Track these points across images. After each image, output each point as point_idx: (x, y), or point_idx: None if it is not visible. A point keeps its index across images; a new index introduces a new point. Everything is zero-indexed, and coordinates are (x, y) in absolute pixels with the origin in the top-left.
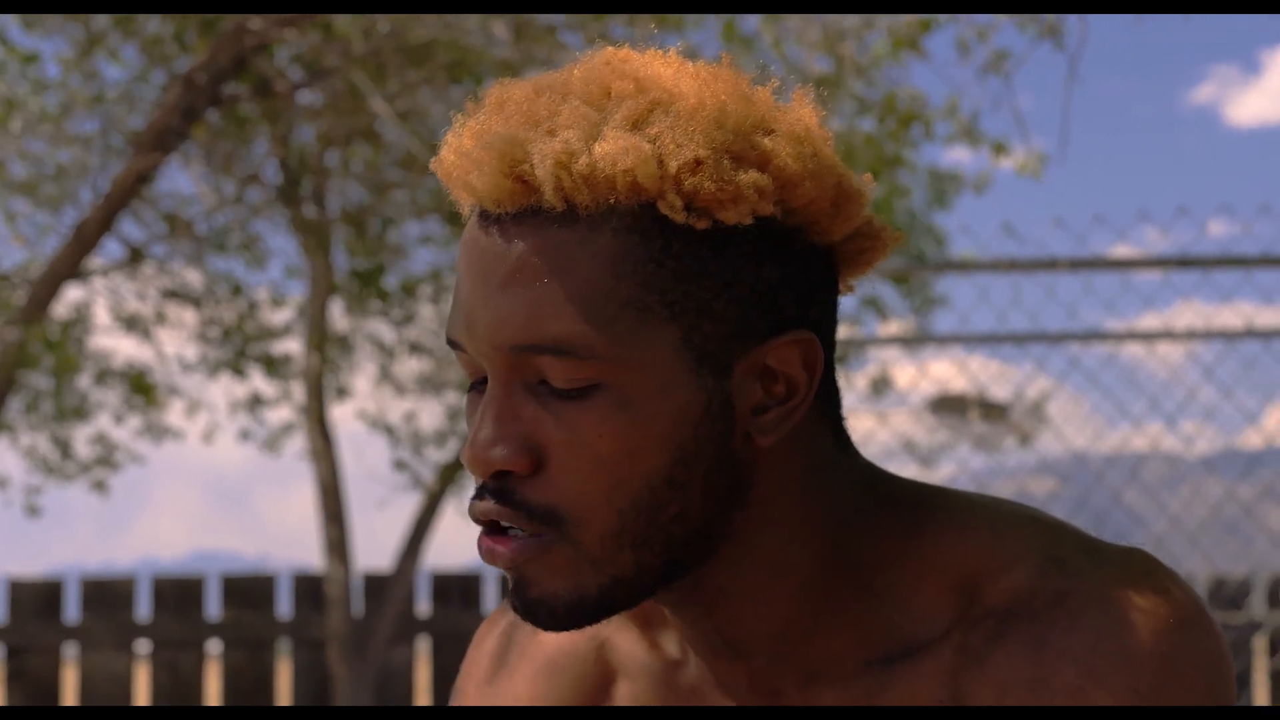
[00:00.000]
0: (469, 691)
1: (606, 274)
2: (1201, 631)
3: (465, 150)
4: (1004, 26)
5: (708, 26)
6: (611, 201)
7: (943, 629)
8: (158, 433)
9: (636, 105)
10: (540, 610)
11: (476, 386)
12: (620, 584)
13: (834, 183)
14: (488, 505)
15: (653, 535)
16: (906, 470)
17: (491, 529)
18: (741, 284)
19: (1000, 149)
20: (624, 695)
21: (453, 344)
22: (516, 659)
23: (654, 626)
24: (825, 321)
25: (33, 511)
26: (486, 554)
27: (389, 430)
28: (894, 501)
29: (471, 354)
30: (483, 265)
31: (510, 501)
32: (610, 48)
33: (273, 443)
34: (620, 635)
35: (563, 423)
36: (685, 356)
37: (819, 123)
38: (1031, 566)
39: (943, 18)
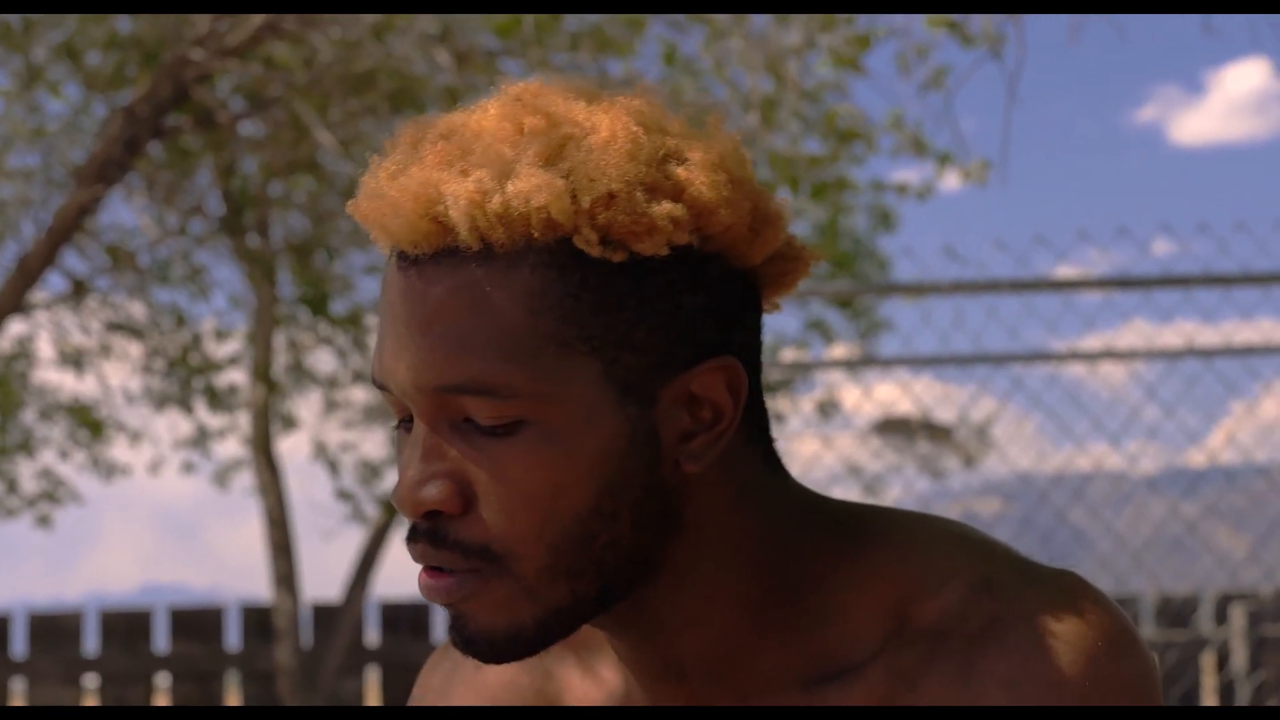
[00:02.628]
0: None
1: (525, 311)
2: (1130, 653)
3: (380, 193)
4: (944, 43)
5: (647, 54)
6: (527, 239)
7: (874, 649)
8: (104, 468)
9: (549, 141)
10: (480, 644)
11: (404, 424)
12: (557, 614)
13: (750, 207)
14: (423, 548)
15: (585, 565)
16: (852, 494)
17: (430, 566)
18: (661, 313)
19: (945, 160)
20: None
21: (378, 385)
22: (461, 693)
23: (592, 654)
24: (749, 345)
25: None
26: (426, 590)
27: (331, 464)
28: (827, 522)
29: (397, 395)
30: (403, 307)
31: (444, 543)
32: (523, 83)
33: (221, 477)
34: (560, 667)
35: (489, 460)
36: (608, 389)
37: (736, 148)
38: (962, 587)
39: (882, 31)
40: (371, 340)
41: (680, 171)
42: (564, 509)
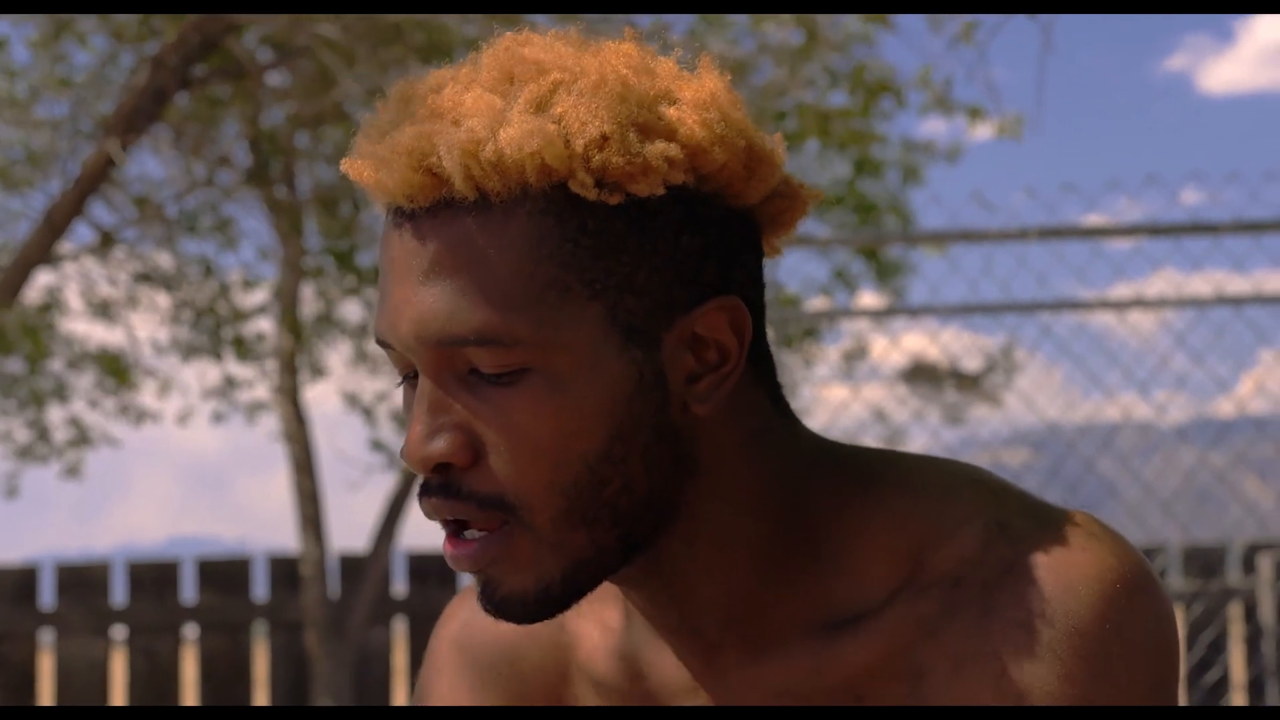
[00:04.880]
0: (432, 685)
1: (524, 259)
2: (1146, 592)
3: (373, 150)
4: None
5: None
6: (523, 186)
7: (888, 595)
8: (133, 414)
9: (539, 87)
10: (512, 606)
11: (409, 380)
12: (581, 566)
13: (744, 146)
14: (436, 501)
15: (601, 512)
16: (879, 443)
17: (452, 531)
18: (661, 255)
19: (977, 114)
20: (580, 685)
21: (382, 343)
22: (480, 641)
23: (603, 603)
24: (750, 285)
25: (11, 494)
26: (453, 560)
27: (366, 413)
28: (838, 468)
29: (400, 351)
30: (402, 262)
31: (457, 495)
32: (510, 33)
33: (250, 415)
34: (571, 617)
35: (496, 410)
36: (612, 332)
37: (726, 87)
38: (977, 532)
39: None
40: None
41: (671, 112)
42: (574, 455)
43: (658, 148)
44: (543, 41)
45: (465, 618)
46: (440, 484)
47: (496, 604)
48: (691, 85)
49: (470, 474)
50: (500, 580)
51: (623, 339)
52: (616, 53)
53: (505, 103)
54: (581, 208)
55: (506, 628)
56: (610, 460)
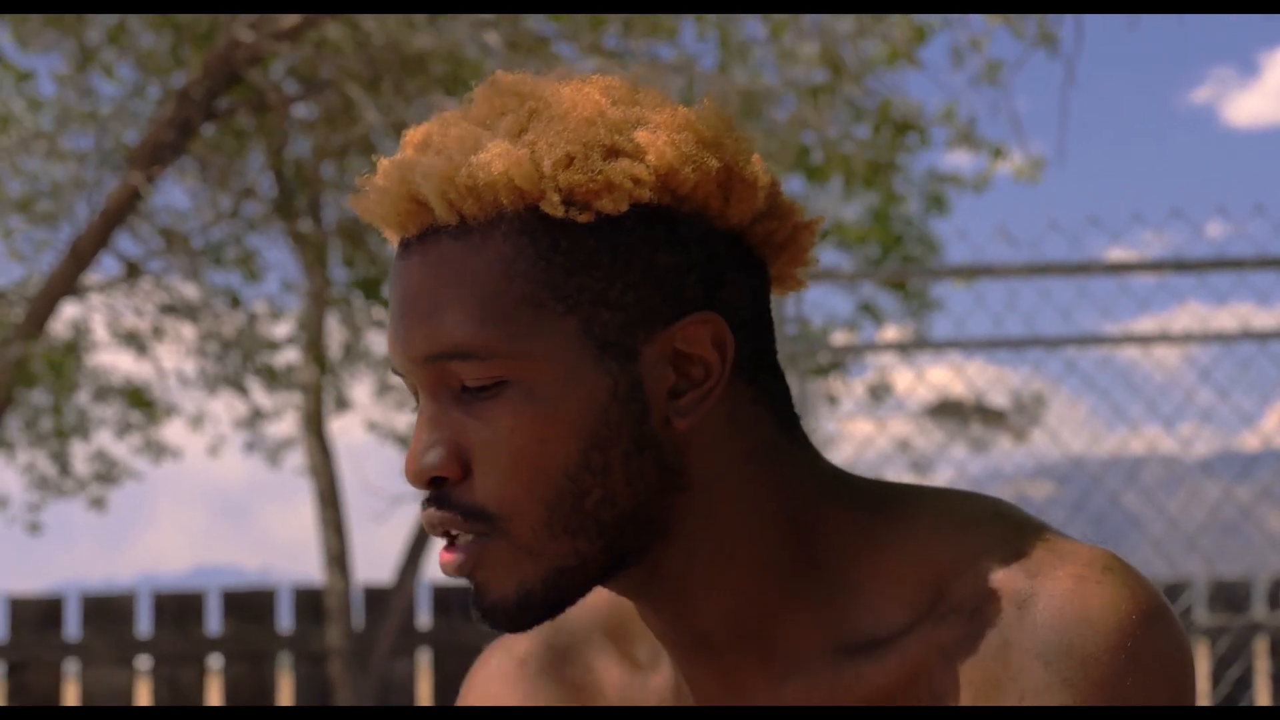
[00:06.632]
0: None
1: (499, 277)
2: (1163, 628)
3: (370, 184)
4: (998, 33)
5: (707, 35)
6: (498, 209)
7: (905, 624)
8: (157, 451)
9: (517, 117)
10: (496, 612)
11: (419, 406)
12: (563, 574)
13: (719, 167)
14: (431, 513)
15: (582, 522)
16: (904, 475)
17: (446, 541)
18: (635, 270)
19: (999, 153)
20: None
21: (394, 370)
22: (503, 690)
23: (633, 644)
24: (740, 304)
25: (33, 529)
26: (443, 567)
27: (402, 442)
28: (854, 496)
29: (402, 373)
30: (399, 289)
31: (447, 505)
32: (502, 71)
33: (274, 455)
34: (601, 659)
35: (483, 422)
36: (586, 345)
37: (710, 114)
38: (997, 564)
39: (937, 23)
40: None
41: (642, 134)
42: (551, 464)
43: (621, 165)
44: (531, 79)
45: (494, 665)
46: (435, 497)
47: (484, 610)
48: (668, 111)
49: (460, 487)
50: (486, 586)
51: (598, 352)
52: (598, 84)
53: (488, 133)
54: (554, 227)
55: (534, 672)
56: (589, 470)
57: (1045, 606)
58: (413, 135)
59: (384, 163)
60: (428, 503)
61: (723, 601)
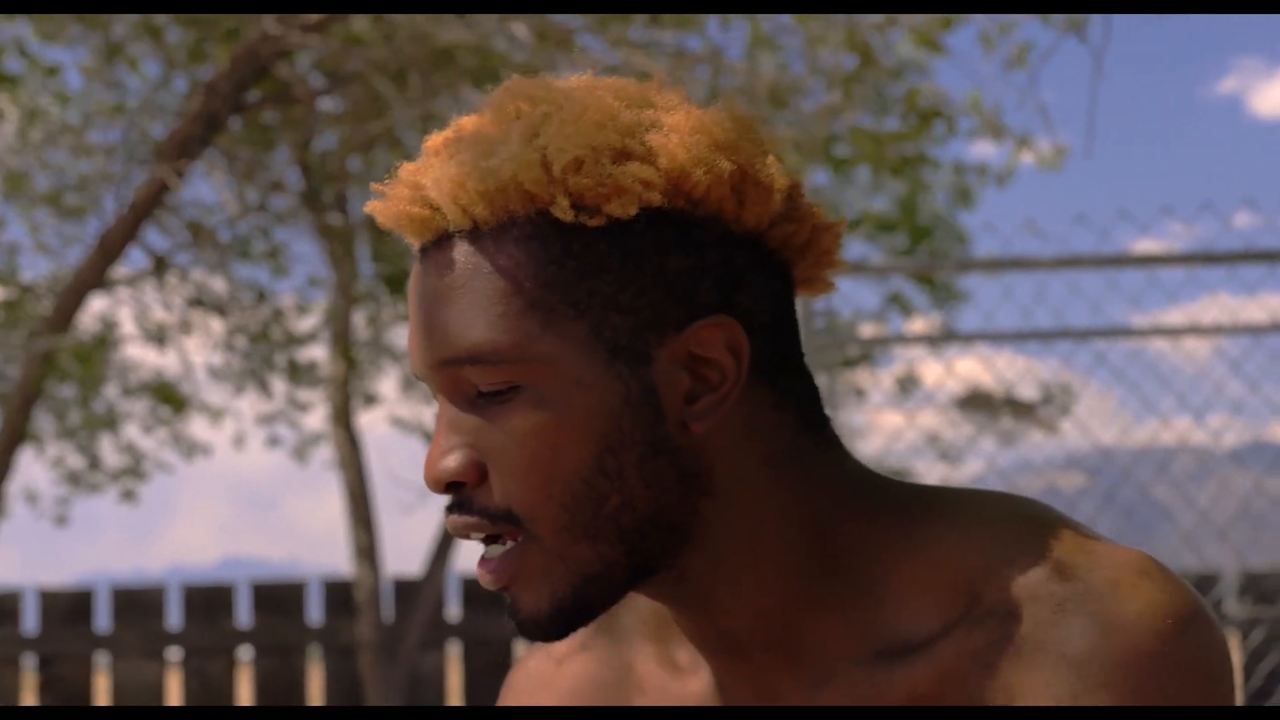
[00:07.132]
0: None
1: (510, 281)
2: (1200, 631)
3: (390, 191)
4: (1026, 22)
5: (735, 25)
6: (509, 213)
7: (939, 628)
8: (185, 446)
9: (530, 121)
10: (530, 624)
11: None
12: (590, 581)
13: (734, 170)
14: (454, 518)
15: (603, 526)
16: (934, 467)
17: (481, 554)
18: (647, 274)
19: (1024, 143)
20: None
21: (415, 375)
22: (544, 693)
23: (671, 645)
24: (758, 308)
25: (61, 521)
26: (481, 580)
27: (428, 434)
28: (884, 500)
29: (420, 378)
30: (416, 295)
31: (469, 510)
32: (519, 76)
33: (301, 450)
34: (639, 659)
35: (497, 427)
36: (596, 350)
37: (727, 117)
38: (1030, 568)
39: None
40: None
41: (655, 137)
42: (565, 468)
43: (630, 169)
44: (545, 82)
45: (532, 668)
46: (455, 501)
47: (520, 623)
48: (682, 114)
49: (480, 490)
50: (520, 599)
51: (609, 356)
52: (612, 86)
53: (500, 138)
54: (566, 232)
55: (572, 674)
56: (605, 474)
57: (1080, 611)
58: (432, 141)
59: (401, 168)
60: (450, 508)
61: (749, 604)
